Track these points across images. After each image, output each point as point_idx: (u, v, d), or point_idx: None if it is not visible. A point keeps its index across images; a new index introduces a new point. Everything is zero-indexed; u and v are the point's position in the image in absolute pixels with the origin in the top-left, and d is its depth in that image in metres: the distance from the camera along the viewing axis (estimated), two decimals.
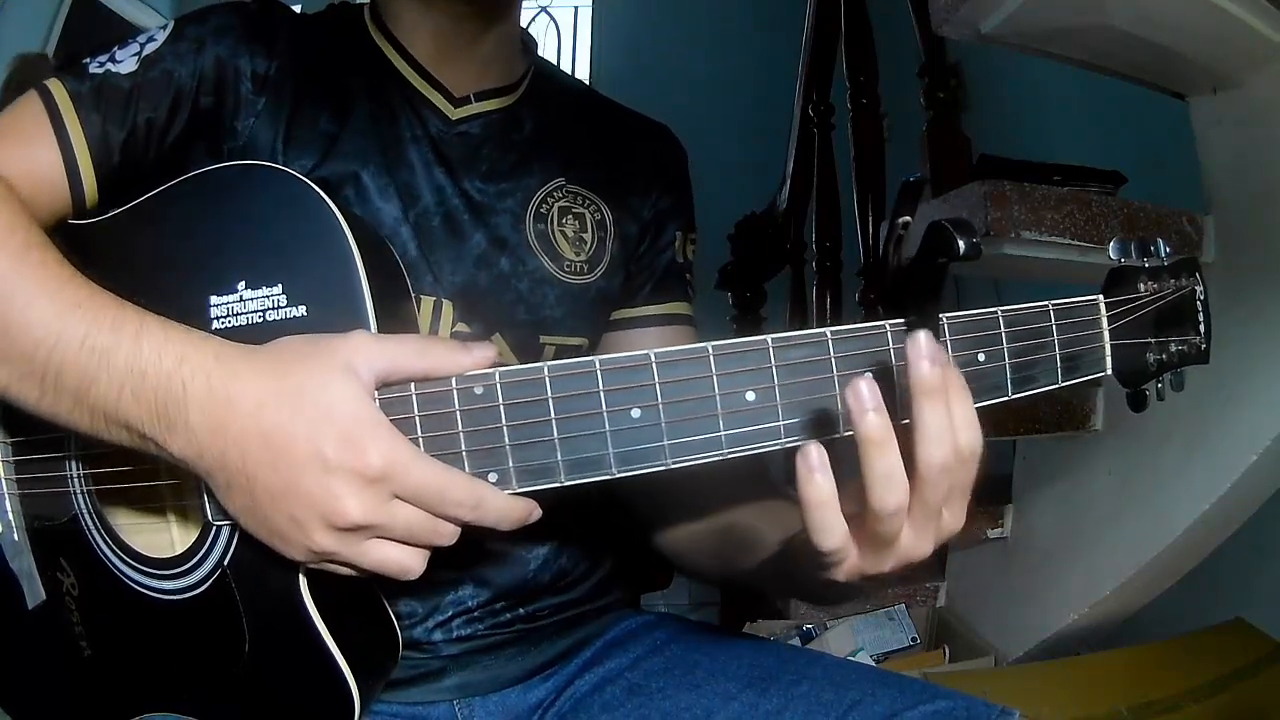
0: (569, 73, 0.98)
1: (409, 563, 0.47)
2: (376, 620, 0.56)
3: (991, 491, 1.59)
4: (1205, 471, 1.12)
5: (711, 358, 0.45)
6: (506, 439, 0.46)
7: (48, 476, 0.60)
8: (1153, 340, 0.51)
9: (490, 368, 0.47)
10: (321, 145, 0.64)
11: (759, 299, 2.34)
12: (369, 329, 0.49)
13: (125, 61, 0.60)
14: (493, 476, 0.47)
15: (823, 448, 0.42)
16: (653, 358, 0.46)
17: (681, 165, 0.80)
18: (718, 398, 0.45)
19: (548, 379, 0.46)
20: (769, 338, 0.46)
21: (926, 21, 1.51)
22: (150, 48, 0.61)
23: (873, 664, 1.50)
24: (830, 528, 0.43)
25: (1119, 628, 1.34)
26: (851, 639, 1.56)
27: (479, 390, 0.46)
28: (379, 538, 0.46)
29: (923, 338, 0.41)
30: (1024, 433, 1.40)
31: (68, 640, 0.60)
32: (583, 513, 0.71)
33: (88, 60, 0.61)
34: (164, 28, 0.63)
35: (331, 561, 0.47)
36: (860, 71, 1.85)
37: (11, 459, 0.61)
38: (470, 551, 0.65)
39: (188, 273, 0.52)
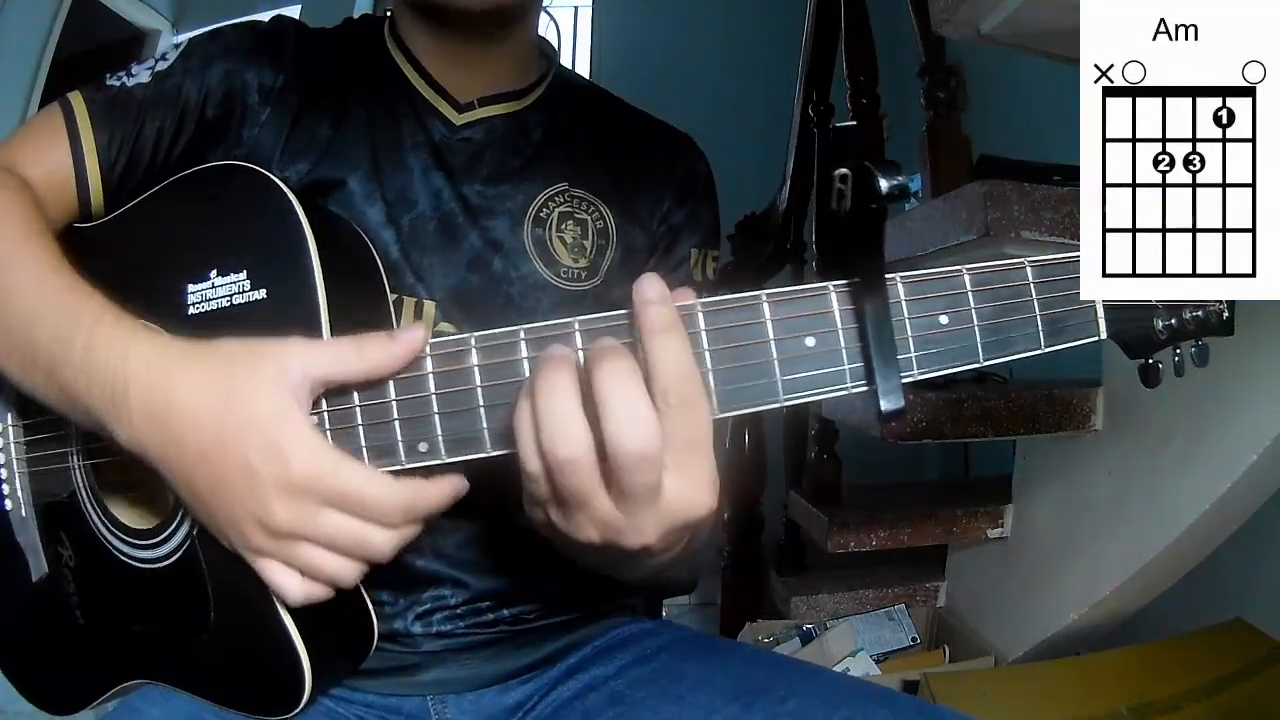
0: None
1: (339, 572, 0.48)
2: (350, 605, 0.55)
3: (991, 491, 1.60)
4: (1205, 471, 1.12)
5: (578, 333, 0.45)
6: (394, 412, 0.47)
7: (53, 454, 0.62)
8: (1160, 305, 0.45)
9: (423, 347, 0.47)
10: (317, 151, 0.67)
11: None
12: (319, 309, 0.51)
13: (139, 75, 0.65)
14: (423, 446, 0.47)
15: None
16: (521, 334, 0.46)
17: (701, 178, 0.78)
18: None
19: (429, 357, 0.47)
20: (698, 303, 0.46)
21: (926, 21, 1.51)
22: (163, 65, 0.66)
23: (873, 664, 1.50)
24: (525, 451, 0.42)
25: (1119, 628, 1.34)
26: (852, 639, 1.56)
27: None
28: (311, 543, 0.47)
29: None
30: (1024, 433, 1.40)
31: (65, 610, 0.63)
32: None
33: (108, 75, 0.66)
34: (178, 46, 0.68)
35: (272, 559, 0.48)
36: (860, 71, 1.85)
37: (24, 440, 0.64)
38: (451, 548, 0.66)
39: (170, 263, 0.57)
